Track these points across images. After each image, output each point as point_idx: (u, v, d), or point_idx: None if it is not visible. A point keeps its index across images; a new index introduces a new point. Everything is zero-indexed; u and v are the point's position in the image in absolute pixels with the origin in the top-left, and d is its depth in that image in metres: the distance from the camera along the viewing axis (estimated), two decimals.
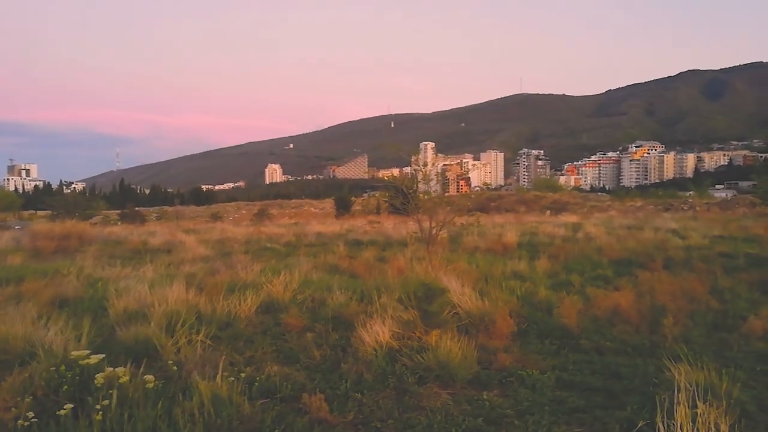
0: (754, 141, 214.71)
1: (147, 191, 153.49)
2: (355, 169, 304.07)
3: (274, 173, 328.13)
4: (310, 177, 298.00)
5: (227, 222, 43.95)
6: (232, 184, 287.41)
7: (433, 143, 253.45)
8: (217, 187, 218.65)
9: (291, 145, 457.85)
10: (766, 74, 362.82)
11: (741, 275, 10.85)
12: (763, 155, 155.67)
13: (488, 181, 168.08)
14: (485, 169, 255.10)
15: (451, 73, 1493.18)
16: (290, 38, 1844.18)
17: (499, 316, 7.03)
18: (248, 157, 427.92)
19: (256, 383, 5.16)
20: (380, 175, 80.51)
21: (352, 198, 59.71)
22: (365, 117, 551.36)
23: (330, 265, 13.44)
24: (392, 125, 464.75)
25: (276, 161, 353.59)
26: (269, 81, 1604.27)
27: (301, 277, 10.38)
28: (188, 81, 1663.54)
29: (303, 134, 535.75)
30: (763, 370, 5.69)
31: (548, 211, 44.47)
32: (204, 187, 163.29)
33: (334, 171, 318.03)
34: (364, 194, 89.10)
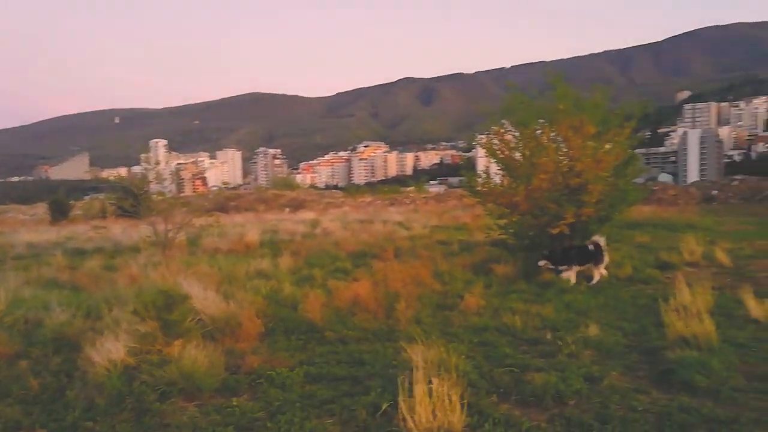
0: (459, 142, 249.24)
1: None
2: (74, 169, 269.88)
3: None
4: (16, 179, 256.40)
5: None
6: None
7: (166, 141, 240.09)
8: None
9: None
10: (467, 84, 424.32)
11: (456, 259, 12.44)
12: (467, 155, 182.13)
13: (227, 180, 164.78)
14: (223, 168, 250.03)
15: (183, 69, 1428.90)
16: None
17: (245, 317, 6.90)
18: None
19: None
20: (105, 176, 73.09)
21: (71, 201, 52.88)
22: (83, 111, 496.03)
23: (47, 279, 11.76)
24: (117, 120, 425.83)
25: None
26: None
27: (9, 296, 8.83)
28: None
29: (4, 129, 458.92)
30: (480, 341, 6.57)
31: (287, 209, 45.25)
32: None
33: (47, 171, 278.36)
34: (86, 197, 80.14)
